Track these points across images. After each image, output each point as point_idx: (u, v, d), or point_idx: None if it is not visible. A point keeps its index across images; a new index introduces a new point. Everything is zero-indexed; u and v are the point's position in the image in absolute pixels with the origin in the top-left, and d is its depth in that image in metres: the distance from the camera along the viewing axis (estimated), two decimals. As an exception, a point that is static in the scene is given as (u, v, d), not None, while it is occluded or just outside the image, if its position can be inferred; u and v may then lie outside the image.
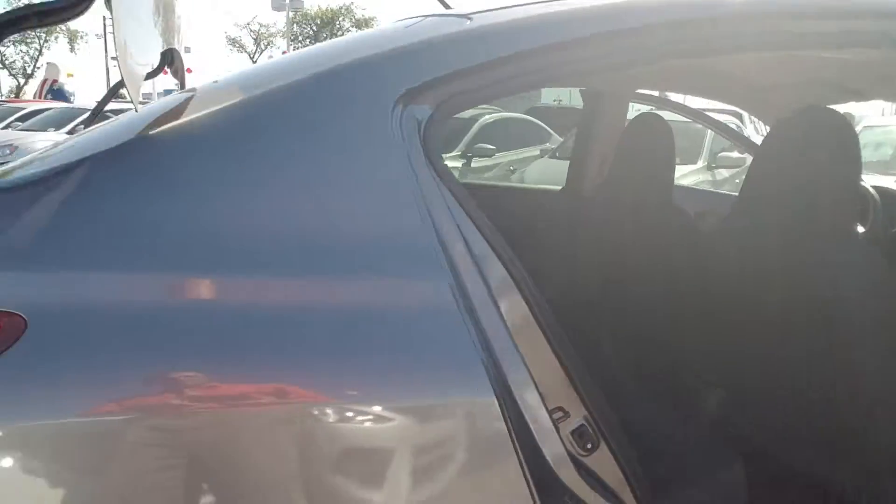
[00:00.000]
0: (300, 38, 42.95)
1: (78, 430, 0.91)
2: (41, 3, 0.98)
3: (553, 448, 1.03)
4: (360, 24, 42.14)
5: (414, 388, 1.00)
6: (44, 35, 41.24)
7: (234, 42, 44.26)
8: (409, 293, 1.02)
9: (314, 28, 42.54)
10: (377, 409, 0.98)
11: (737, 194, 1.90)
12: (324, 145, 1.07)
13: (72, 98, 30.91)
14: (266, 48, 44.84)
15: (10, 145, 12.35)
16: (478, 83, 1.15)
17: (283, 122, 1.08)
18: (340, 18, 42.29)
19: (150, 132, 1.08)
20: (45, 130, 13.22)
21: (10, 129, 13.82)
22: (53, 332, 0.91)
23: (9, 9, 0.97)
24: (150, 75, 1.55)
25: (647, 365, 2.15)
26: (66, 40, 43.22)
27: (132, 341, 0.92)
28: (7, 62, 42.21)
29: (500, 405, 0.99)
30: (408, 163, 1.06)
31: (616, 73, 2.19)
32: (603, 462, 1.10)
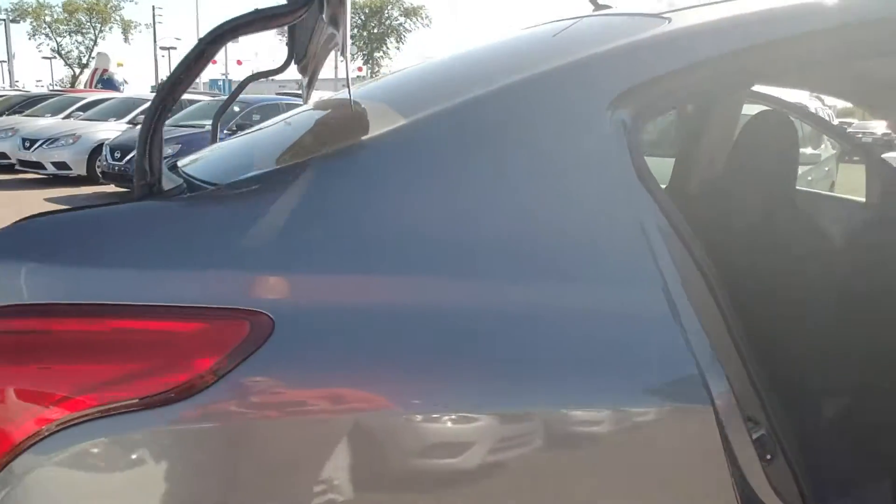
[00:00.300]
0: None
1: (328, 426, 0.91)
2: (267, 8, 0.99)
3: (748, 457, 1.01)
4: (409, 12, 42.24)
5: (635, 394, 0.98)
6: (99, 25, 42.10)
7: (283, 32, 44.55)
8: (628, 299, 0.99)
9: (362, 17, 42.73)
10: (598, 414, 0.97)
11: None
12: (538, 150, 1.05)
13: (122, 87, 31.62)
14: (314, 38, 45.04)
15: (73, 134, 12.64)
16: (684, 85, 1.11)
17: (497, 127, 1.06)
18: (389, 7, 42.35)
19: (364, 137, 1.07)
20: (105, 120, 13.49)
21: (71, 119, 14.13)
22: (298, 332, 0.91)
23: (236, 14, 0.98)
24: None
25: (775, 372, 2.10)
26: (121, 30, 44.01)
27: (370, 342, 0.92)
28: (63, 52, 43.17)
29: (714, 414, 0.97)
30: (618, 168, 1.03)
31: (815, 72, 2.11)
32: (779, 472, 1.07)
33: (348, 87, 1.07)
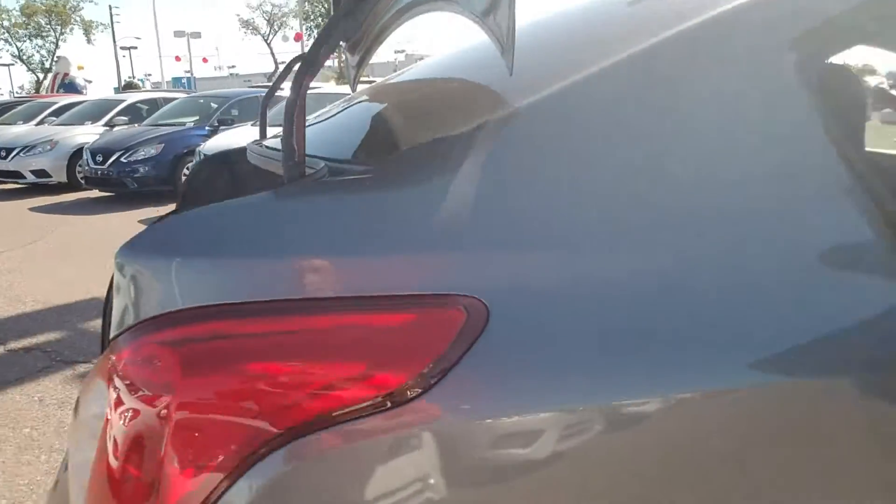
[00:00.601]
0: (312, 16, 42.62)
1: (569, 420, 0.82)
2: None
3: None
4: (373, -2, 41.64)
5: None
6: (59, 28, 41.15)
7: (247, 24, 43.97)
8: (835, 261, 0.91)
9: (326, 5, 42.13)
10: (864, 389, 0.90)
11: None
12: (720, 98, 0.96)
13: (84, 90, 31.11)
14: (279, 29, 44.61)
15: (50, 140, 12.36)
16: (867, 22, 1.03)
17: (677, 76, 0.97)
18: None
19: (534, 99, 0.97)
20: (81, 124, 13.19)
21: (45, 125, 13.81)
22: (516, 317, 0.81)
23: None
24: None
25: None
26: (82, 31, 43.05)
27: (599, 325, 0.83)
28: (25, 57, 42.17)
29: None
30: (807, 117, 0.94)
31: None
32: None
33: (511, 47, 0.96)
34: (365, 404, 0.79)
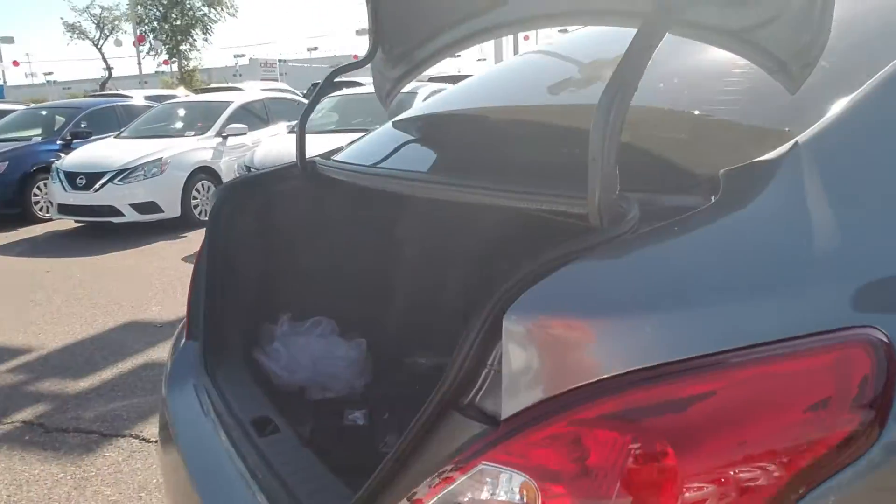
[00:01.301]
0: (146, 20, 40.32)
1: None
2: None
3: None
4: (212, 1, 40.02)
5: None
6: None
7: (73, 29, 40.84)
8: None
9: (160, 9, 39.97)
10: None
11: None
12: None
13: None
14: (111, 33, 41.76)
15: None
16: None
17: None
18: (189, -3, 39.96)
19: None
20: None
21: None
22: None
23: None
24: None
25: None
26: None
27: None
28: None
29: None
30: None
31: None
32: None
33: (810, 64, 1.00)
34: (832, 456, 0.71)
